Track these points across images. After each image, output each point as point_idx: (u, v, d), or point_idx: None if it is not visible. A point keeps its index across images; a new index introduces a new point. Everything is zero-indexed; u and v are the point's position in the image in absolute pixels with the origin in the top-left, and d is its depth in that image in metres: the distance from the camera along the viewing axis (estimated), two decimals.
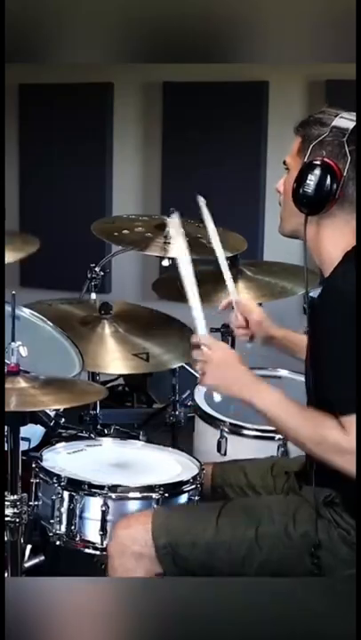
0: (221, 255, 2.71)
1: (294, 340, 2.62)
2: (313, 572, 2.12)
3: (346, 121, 2.12)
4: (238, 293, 2.70)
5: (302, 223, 2.16)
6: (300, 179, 2.12)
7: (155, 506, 2.33)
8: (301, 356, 2.53)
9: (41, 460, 2.50)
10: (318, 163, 2.10)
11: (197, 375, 2.27)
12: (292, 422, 2.10)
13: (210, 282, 3.62)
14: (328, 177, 2.09)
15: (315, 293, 3.86)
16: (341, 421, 2.00)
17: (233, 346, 3.70)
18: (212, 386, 2.25)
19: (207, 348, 2.23)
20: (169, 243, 3.36)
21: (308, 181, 2.10)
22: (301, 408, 2.13)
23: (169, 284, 3.69)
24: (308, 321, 2.22)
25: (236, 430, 2.83)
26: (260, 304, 3.87)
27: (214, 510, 2.22)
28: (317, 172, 2.10)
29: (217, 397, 2.31)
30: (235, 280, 3.61)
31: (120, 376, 4.67)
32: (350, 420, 1.98)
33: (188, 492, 2.40)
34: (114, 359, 3.21)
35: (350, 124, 2.11)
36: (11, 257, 3.07)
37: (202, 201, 2.72)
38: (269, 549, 2.16)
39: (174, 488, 2.39)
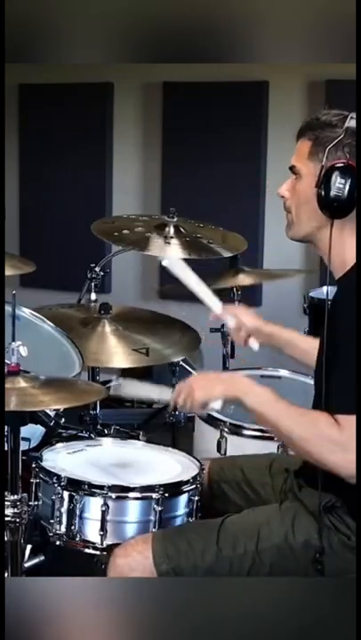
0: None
1: (283, 336, 2.61)
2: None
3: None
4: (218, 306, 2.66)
5: (320, 227, 2.15)
6: (327, 183, 2.08)
7: (152, 530, 2.31)
8: (290, 352, 2.56)
9: (41, 460, 2.50)
10: (343, 165, 2.08)
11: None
12: (284, 419, 2.08)
13: (210, 282, 3.63)
14: (354, 179, 2.07)
15: (315, 294, 3.89)
16: (337, 417, 2.00)
17: (232, 347, 3.71)
18: (201, 394, 2.17)
19: (185, 382, 2.23)
20: (169, 243, 3.36)
21: (338, 185, 2.07)
22: (293, 406, 2.10)
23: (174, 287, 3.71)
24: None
25: (236, 430, 2.83)
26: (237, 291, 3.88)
27: (212, 531, 2.20)
28: (345, 175, 2.07)
29: (216, 405, 2.21)
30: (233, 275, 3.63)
31: (120, 375, 4.67)
32: (346, 418, 1.98)
33: (188, 492, 2.40)
34: (114, 354, 3.20)
35: None
36: (9, 271, 3.10)
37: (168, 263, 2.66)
38: (272, 563, 2.15)
39: (174, 488, 2.39)
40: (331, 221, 2.11)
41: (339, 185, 2.07)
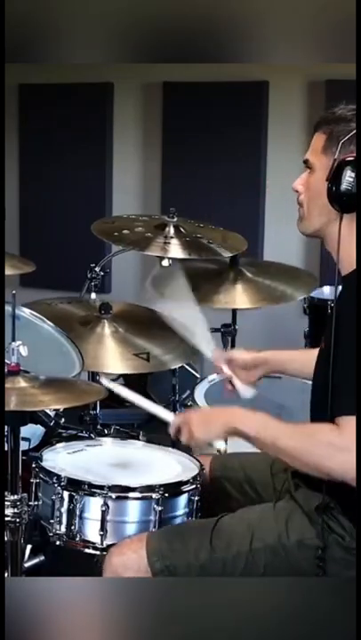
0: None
1: (282, 356, 2.60)
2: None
3: None
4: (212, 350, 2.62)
5: (329, 222, 2.14)
6: (337, 177, 2.07)
7: (152, 530, 2.31)
8: (292, 368, 2.56)
9: (41, 460, 2.50)
10: (355, 159, 2.07)
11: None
12: (282, 438, 2.06)
13: (209, 282, 3.63)
14: None
15: (315, 294, 3.88)
16: (337, 420, 1.98)
17: (233, 346, 3.71)
18: (201, 434, 2.18)
19: (182, 417, 2.23)
20: (169, 243, 3.37)
21: (347, 179, 2.06)
22: (290, 423, 2.10)
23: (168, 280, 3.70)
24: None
25: None
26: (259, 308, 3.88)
27: (206, 530, 2.20)
28: (356, 169, 2.06)
29: (220, 445, 2.23)
30: (234, 281, 3.63)
31: (120, 376, 4.67)
32: (347, 420, 1.96)
33: (188, 492, 2.40)
34: (114, 359, 3.20)
35: None
36: (9, 271, 3.10)
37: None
38: (266, 563, 2.14)
39: (174, 488, 2.39)
40: (340, 216, 2.10)
41: (349, 179, 2.06)
